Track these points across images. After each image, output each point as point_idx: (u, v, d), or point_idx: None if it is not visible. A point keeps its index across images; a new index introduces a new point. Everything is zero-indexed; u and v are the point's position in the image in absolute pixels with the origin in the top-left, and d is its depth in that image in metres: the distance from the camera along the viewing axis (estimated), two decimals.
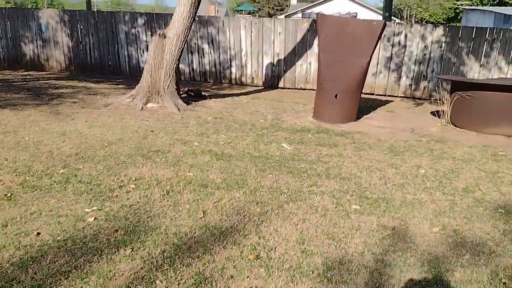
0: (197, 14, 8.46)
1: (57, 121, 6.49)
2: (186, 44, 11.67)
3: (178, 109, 7.59)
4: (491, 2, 46.33)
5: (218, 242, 3.19)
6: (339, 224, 3.57)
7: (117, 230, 3.30)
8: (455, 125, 7.54)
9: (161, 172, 4.55)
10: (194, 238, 3.23)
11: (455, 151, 5.87)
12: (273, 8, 66.47)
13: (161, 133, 6.08)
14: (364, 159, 5.29)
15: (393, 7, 48.83)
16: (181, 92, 8.57)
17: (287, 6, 59.29)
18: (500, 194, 4.30)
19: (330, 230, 3.45)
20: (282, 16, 41.26)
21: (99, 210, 3.64)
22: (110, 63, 12.45)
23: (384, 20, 7.28)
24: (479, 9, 27.57)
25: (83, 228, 3.32)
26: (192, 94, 9.18)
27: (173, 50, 7.73)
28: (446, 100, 7.89)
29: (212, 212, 3.68)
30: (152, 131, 6.19)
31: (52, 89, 9.34)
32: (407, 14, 46.96)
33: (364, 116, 8.38)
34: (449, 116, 7.62)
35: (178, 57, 7.86)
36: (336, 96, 7.54)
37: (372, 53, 7.44)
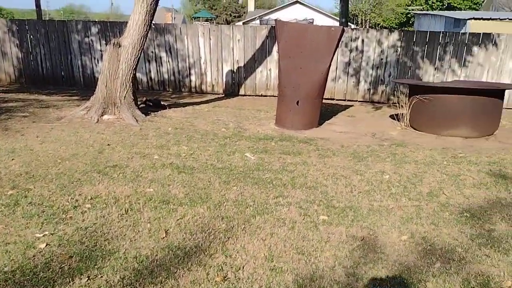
0: (153, 22, 8.23)
1: (5, 137, 6.08)
2: (143, 53, 11.37)
3: (136, 120, 7.31)
4: (440, 7, 48.35)
5: (182, 264, 3.00)
6: (308, 236, 3.46)
7: (72, 257, 3.05)
8: (414, 128, 7.65)
9: (119, 189, 4.30)
10: (156, 261, 3.03)
11: (417, 154, 5.92)
12: (230, 15, 66.47)
13: (118, 147, 5.81)
14: (329, 166, 5.23)
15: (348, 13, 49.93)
16: (139, 102, 8.31)
17: (244, 13, 59.50)
18: (464, 198, 4.32)
19: (299, 244, 3.33)
20: (240, 23, 41.31)
21: (52, 234, 3.36)
22: (63, 73, 11.94)
23: (342, 26, 7.31)
24: (430, 14, 28.59)
25: (33, 256, 3.05)
26: (151, 104, 8.91)
27: (129, 59, 7.46)
28: (405, 103, 8.03)
29: (175, 231, 3.48)
30: (108, 144, 5.90)
31: (0, 102, 8.81)
32: (361, 19, 48.17)
33: (326, 121, 8.39)
34: (408, 119, 7.74)
35: (134, 67, 7.59)
36: (297, 102, 7.49)
37: (332, 59, 7.46)
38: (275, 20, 7.73)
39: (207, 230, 3.50)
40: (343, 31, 7.40)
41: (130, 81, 7.55)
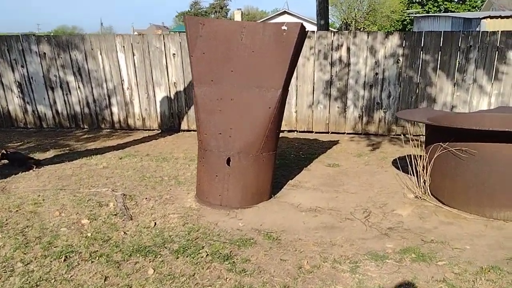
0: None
1: None
2: (43, 78, 8.12)
3: None
4: (437, 12, 45.31)
5: None
6: None
7: None
8: (439, 200, 4.30)
9: None
10: None
11: None
12: None
13: None
14: None
15: (340, 21, 46.81)
16: None
17: None
18: None
19: None
20: None
21: None
22: None
23: (300, 23, 4.04)
24: (432, 16, 25.24)
25: None
26: (8, 160, 5.57)
27: None
28: (415, 138, 4.73)
29: None
30: None
31: None
32: (354, 27, 45.07)
33: (290, 181, 5.09)
34: (427, 182, 4.38)
35: None
36: (228, 161, 4.17)
37: (286, 79, 4.14)
38: (184, 16, 4.40)
39: None
40: (302, 30, 4.08)
41: None
